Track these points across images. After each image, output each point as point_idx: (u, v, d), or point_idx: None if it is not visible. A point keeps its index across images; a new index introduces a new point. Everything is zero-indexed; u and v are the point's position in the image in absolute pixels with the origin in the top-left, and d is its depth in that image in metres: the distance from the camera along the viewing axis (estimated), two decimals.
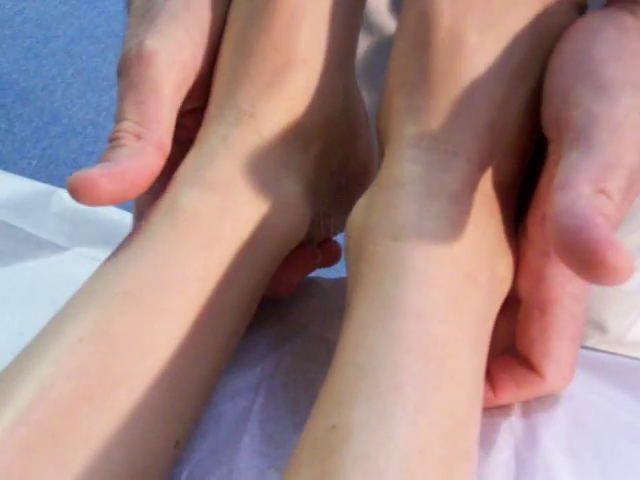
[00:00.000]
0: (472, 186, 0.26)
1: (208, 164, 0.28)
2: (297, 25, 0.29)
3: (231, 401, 0.31)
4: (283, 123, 0.29)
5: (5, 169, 0.46)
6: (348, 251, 0.28)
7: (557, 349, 0.26)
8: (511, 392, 0.28)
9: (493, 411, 0.30)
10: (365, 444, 0.20)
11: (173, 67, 0.28)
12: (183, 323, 0.26)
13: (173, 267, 0.26)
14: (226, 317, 0.28)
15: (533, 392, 0.28)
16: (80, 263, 0.39)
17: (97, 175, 0.24)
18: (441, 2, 0.27)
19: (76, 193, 0.24)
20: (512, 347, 0.28)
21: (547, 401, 0.31)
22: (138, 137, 0.27)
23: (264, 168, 0.29)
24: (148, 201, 0.29)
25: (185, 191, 0.27)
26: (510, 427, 0.30)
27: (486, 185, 0.26)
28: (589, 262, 0.19)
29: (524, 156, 0.28)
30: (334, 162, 0.33)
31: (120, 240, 0.28)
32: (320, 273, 0.36)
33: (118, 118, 0.27)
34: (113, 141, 0.27)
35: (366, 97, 0.35)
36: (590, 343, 0.52)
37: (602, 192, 0.21)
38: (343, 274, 0.29)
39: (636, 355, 0.34)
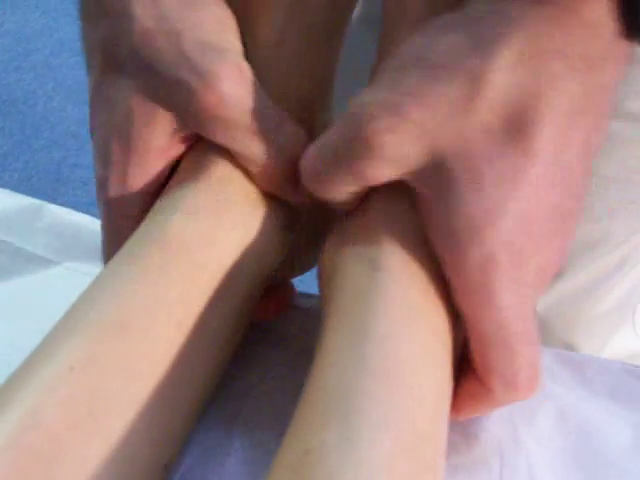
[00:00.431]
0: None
1: (193, 189, 0.29)
2: None
3: (220, 408, 0.31)
4: None
5: None
6: (321, 277, 0.29)
7: (496, 360, 0.26)
8: (468, 406, 0.28)
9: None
10: (336, 467, 0.21)
11: None
12: (169, 349, 0.26)
13: (160, 294, 0.26)
14: (211, 342, 0.28)
15: (487, 404, 0.27)
16: (71, 278, 0.39)
17: None
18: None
19: None
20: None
21: (528, 402, 0.32)
22: None
23: (248, 194, 0.30)
24: (128, 224, 0.29)
25: (171, 216, 0.28)
26: (493, 428, 0.31)
27: None
28: None
29: None
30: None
31: None
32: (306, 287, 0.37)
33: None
34: None
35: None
36: None
37: None
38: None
39: None
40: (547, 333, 0.49)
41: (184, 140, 0.29)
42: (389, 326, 0.24)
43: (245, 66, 0.29)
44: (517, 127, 0.23)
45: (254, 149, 0.28)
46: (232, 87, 0.27)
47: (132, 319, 0.25)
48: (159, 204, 0.29)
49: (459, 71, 0.24)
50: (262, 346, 0.34)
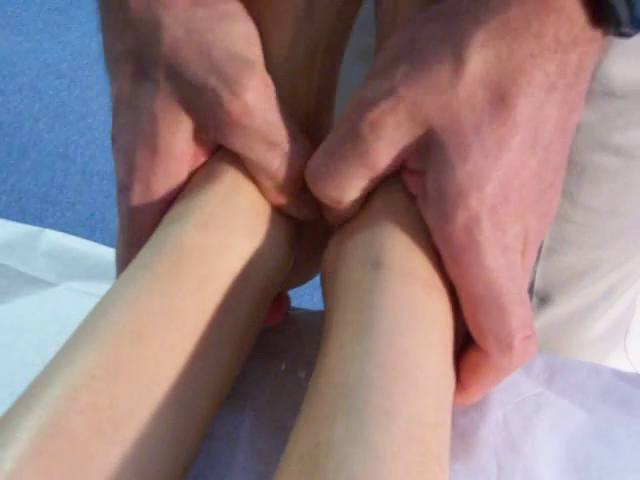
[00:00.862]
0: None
1: (205, 199, 0.30)
2: None
3: (220, 420, 0.32)
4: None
5: None
6: (324, 276, 0.30)
7: (490, 321, 0.27)
8: (472, 381, 0.29)
9: (473, 417, 0.32)
10: (346, 457, 0.22)
11: None
12: (184, 356, 0.27)
13: (174, 303, 0.27)
14: (223, 349, 0.29)
15: (488, 373, 0.28)
16: (70, 297, 0.40)
17: None
18: None
19: None
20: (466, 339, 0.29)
21: (525, 408, 0.32)
22: None
23: (257, 204, 0.31)
24: (147, 230, 0.30)
25: (185, 227, 0.29)
26: (490, 434, 0.32)
27: None
28: None
29: None
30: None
31: (109, 275, 0.29)
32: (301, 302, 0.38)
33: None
34: None
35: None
36: None
37: None
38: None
39: None
40: None
41: (203, 148, 0.31)
42: (392, 321, 0.26)
43: (269, 79, 0.30)
44: (498, 98, 0.25)
45: (269, 159, 0.30)
46: (256, 98, 0.29)
47: (148, 328, 0.26)
48: (172, 212, 0.30)
49: (442, 53, 0.26)
50: (260, 357, 0.35)
